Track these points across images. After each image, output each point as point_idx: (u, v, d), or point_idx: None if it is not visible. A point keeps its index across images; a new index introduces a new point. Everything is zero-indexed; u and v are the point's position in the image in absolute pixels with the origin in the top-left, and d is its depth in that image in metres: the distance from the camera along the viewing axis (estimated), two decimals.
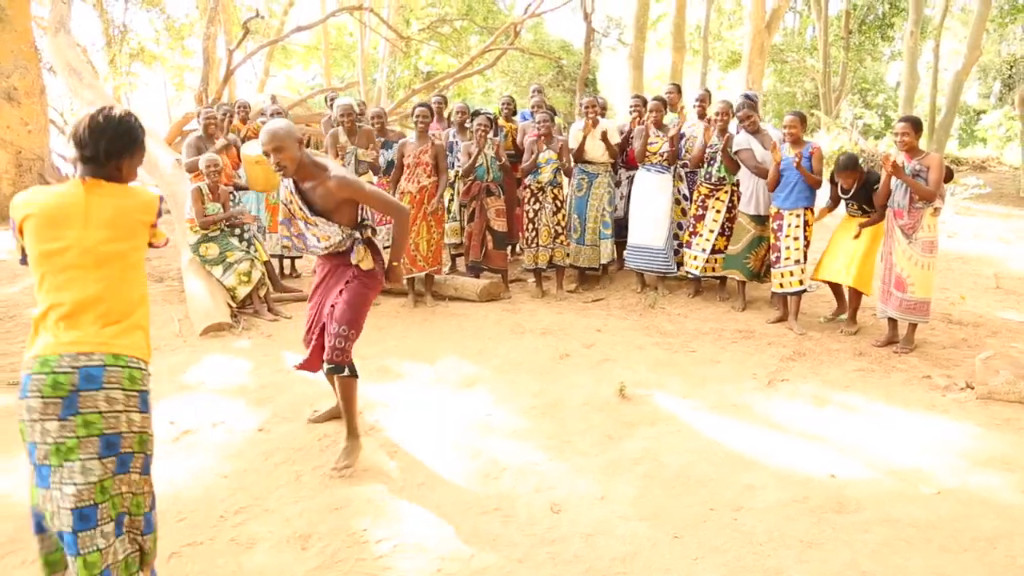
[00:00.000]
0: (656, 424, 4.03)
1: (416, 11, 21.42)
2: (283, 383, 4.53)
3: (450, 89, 16.46)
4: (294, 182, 3.31)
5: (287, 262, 7.39)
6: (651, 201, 6.51)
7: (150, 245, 2.26)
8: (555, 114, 6.96)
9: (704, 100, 6.88)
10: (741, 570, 2.72)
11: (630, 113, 7.01)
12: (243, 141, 6.88)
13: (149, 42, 17.71)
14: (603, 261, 6.82)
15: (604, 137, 6.44)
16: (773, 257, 5.79)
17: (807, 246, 5.67)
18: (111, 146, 2.10)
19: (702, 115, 6.74)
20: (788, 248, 5.66)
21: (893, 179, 5.06)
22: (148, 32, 17.78)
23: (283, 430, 3.88)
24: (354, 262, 3.38)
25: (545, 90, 8.10)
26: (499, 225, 6.56)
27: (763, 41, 13.87)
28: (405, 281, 6.01)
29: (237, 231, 6.12)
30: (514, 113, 7.69)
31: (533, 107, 7.22)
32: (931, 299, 5.18)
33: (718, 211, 6.27)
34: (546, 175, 6.45)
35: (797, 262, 5.65)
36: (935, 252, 5.09)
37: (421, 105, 6.38)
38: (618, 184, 6.99)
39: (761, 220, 6.00)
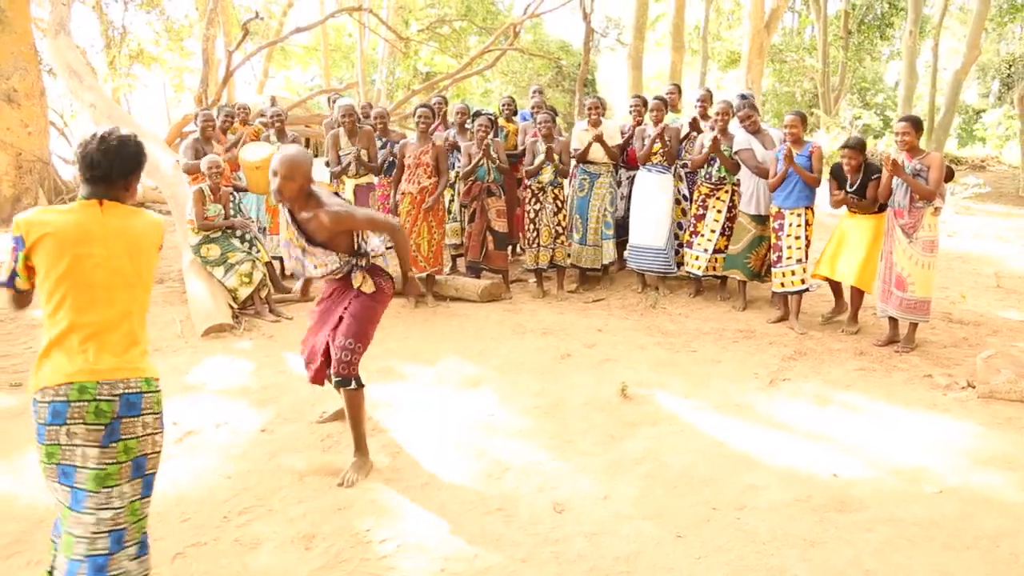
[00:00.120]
0: (658, 424, 4.03)
1: (415, 12, 21.43)
2: (285, 384, 4.54)
3: (449, 90, 16.47)
4: (290, 212, 3.27)
5: None
6: (652, 201, 6.51)
7: None
8: (556, 115, 6.97)
9: (705, 100, 6.89)
10: (744, 569, 2.72)
11: (630, 113, 7.02)
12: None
13: (148, 44, 17.70)
14: (605, 261, 6.82)
15: (600, 140, 6.40)
16: (774, 257, 5.79)
17: (808, 245, 5.68)
18: (124, 167, 2.12)
19: (703, 115, 6.75)
20: (789, 248, 5.67)
21: (894, 178, 5.07)
22: (147, 34, 17.77)
23: (286, 431, 3.89)
24: (355, 287, 3.39)
25: (544, 90, 8.11)
26: (500, 226, 6.57)
27: (762, 41, 13.87)
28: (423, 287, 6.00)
29: (238, 232, 6.13)
30: (515, 113, 7.70)
31: (534, 108, 7.23)
32: (932, 298, 5.19)
33: (719, 211, 6.28)
34: (547, 176, 6.45)
35: (799, 261, 5.65)
36: (936, 251, 5.09)
37: (422, 106, 6.39)
38: (619, 184, 7.00)
39: (762, 220, 6.01)
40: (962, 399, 4.41)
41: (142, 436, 2.12)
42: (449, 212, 6.98)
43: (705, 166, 6.29)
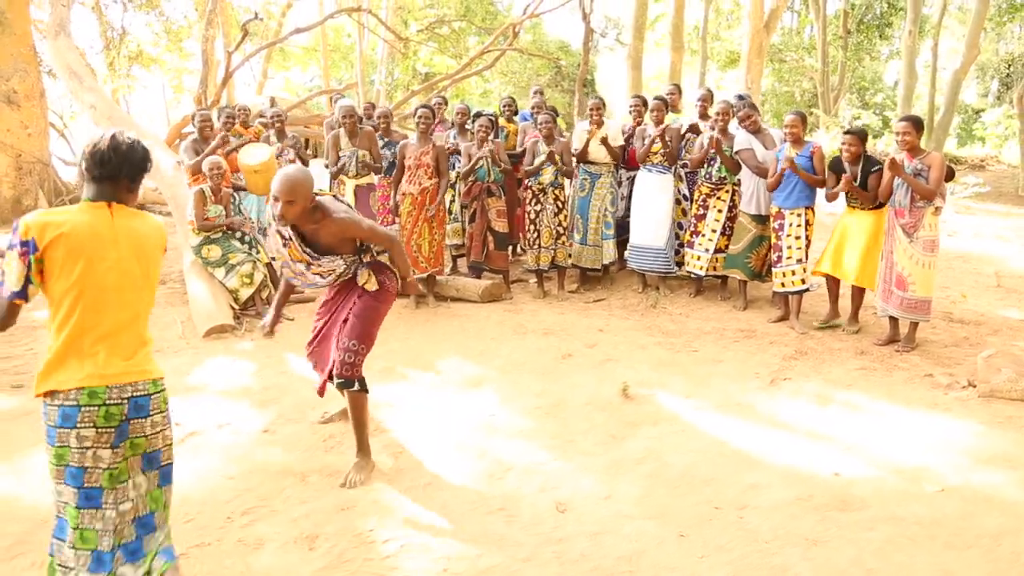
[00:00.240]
0: (659, 423, 4.04)
1: (414, 12, 21.42)
2: (287, 384, 4.54)
3: (449, 90, 16.47)
4: (293, 227, 3.21)
5: None
6: (652, 201, 6.52)
7: None
8: (557, 115, 6.98)
9: (706, 100, 6.89)
10: (747, 568, 2.73)
11: (630, 113, 7.03)
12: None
13: (148, 45, 17.70)
14: (605, 261, 6.83)
15: (605, 142, 6.44)
16: (774, 256, 5.80)
17: (808, 245, 5.68)
18: (132, 168, 2.14)
19: (704, 115, 6.76)
20: (789, 247, 5.67)
21: (895, 178, 5.07)
22: (147, 35, 17.77)
23: (288, 431, 3.89)
24: (360, 284, 3.39)
25: (544, 91, 8.11)
26: (500, 226, 6.57)
27: (761, 41, 13.86)
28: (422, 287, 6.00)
29: (239, 233, 6.14)
30: (515, 114, 7.71)
31: (534, 108, 7.24)
32: (932, 298, 5.19)
33: (719, 211, 6.29)
34: (547, 176, 6.46)
35: (799, 261, 5.66)
36: (936, 251, 5.10)
37: (423, 107, 6.39)
38: (619, 184, 7.00)
39: (762, 219, 6.01)
40: (963, 398, 4.41)
41: (151, 435, 2.18)
42: (450, 212, 6.98)
43: (705, 166, 6.30)
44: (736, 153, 6.00)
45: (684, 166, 6.69)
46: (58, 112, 14.74)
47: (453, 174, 6.74)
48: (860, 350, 5.25)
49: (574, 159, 6.63)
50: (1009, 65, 22.77)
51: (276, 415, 4.09)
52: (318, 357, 3.58)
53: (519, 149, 7.15)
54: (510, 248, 7.14)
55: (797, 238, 5.66)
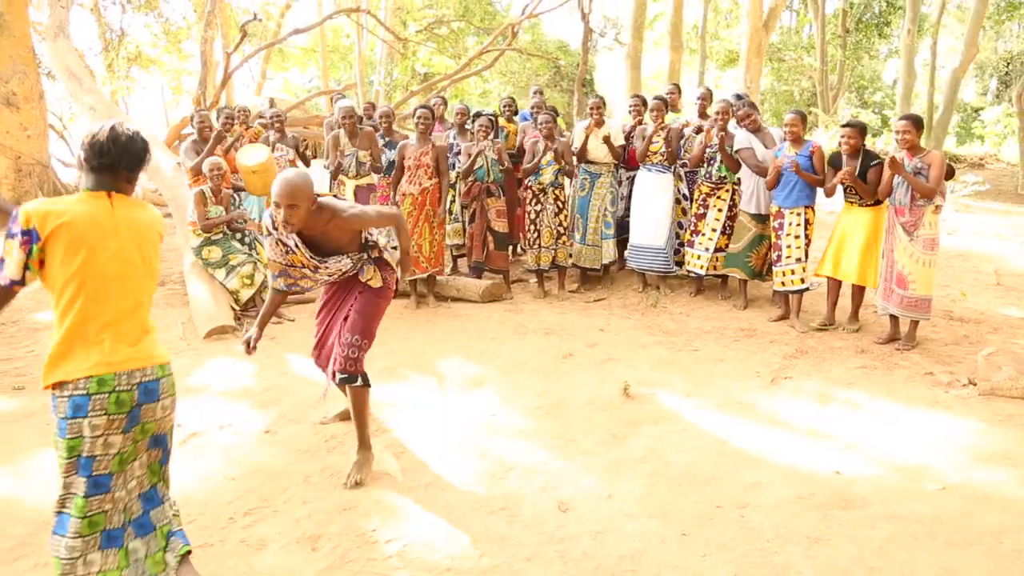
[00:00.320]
0: (660, 423, 4.04)
1: (413, 13, 21.41)
2: (288, 385, 4.55)
3: (448, 90, 16.47)
4: (298, 233, 3.17)
5: None
6: (652, 201, 6.52)
7: None
8: (557, 115, 6.98)
9: (705, 99, 6.90)
10: (749, 567, 2.73)
11: (629, 113, 7.03)
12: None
13: (146, 46, 17.70)
14: (605, 261, 6.83)
15: (607, 140, 6.45)
16: (774, 256, 5.80)
17: (808, 244, 5.69)
18: (132, 159, 2.15)
19: (703, 114, 6.76)
20: (789, 247, 5.68)
21: (895, 177, 5.07)
22: (145, 36, 17.77)
23: (290, 432, 3.90)
24: (364, 280, 3.40)
25: (543, 90, 8.12)
26: (500, 226, 6.57)
27: (760, 40, 13.87)
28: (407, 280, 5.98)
29: (239, 234, 6.15)
30: (515, 114, 7.71)
31: (534, 108, 7.24)
32: (932, 296, 5.19)
33: (719, 210, 6.29)
34: (547, 176, 6.46)
35: (799, 260, 5.66)
36: (936, 249, 5.10)
37: (422, 107, 6.40)
38: (619, 184, 7.01)
39: (762, 219, 6.02)
40: (963, 396, 4.42)
41: (161, 418, 2.25)
42: (450, 212, 6.98)
43: (705, 165, 6.30)
44: (736, 152, 6.01)
45: (684, 165, 6.70)
46: (57, 114, 14.76)
47: (453, 174, 6.74)
48: (860, 349, 5.25)
49: (575, 159, 6.64)
50: (1008, 63, 22.79)
51: (277, 416, 4.10)
52: (326, 360, 3.58)
53: (517, 148, 7.15)
54: (510, 248, 7.15)
55: (797, 237, 5.67)
